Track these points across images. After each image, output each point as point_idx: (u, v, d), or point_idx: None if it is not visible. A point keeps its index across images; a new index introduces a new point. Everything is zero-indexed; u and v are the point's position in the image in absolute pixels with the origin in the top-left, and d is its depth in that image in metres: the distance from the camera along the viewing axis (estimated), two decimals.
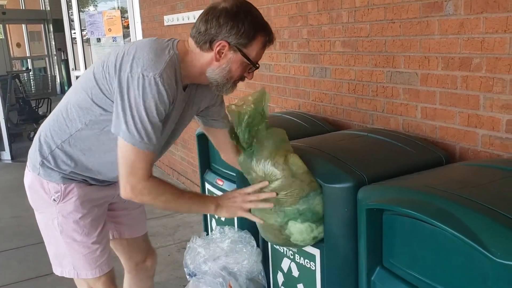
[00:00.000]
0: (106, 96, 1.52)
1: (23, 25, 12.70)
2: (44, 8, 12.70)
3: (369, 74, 2.29)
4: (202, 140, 2.69)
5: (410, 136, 2.01)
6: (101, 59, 1.59)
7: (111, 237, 1.94)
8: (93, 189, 1.73)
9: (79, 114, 1.59)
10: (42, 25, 12.74)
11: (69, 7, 5.87)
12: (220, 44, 1.48)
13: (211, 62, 1.52)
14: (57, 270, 1.81)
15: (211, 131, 1.84)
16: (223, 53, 1.50)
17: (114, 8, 5.98)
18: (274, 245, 1.99)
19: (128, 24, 5.59)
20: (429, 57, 1.95)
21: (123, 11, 5.74)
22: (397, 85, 2.14)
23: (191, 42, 1.54)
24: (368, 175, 1.62)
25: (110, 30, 5.76)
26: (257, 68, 1.58)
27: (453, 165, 1.75)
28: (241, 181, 1.97)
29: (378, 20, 2.19)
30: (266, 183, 1.65)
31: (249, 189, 1.69)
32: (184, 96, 1.61)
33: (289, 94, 2.93)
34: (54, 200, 1.67)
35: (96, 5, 6.26)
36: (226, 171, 2.53)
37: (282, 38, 2.91)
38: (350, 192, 1.58)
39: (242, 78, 1.60)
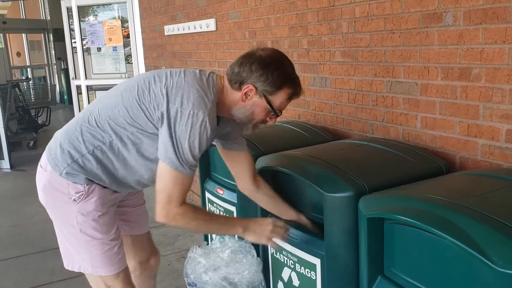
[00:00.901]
0: (148, 119, 1.61)
1: (23, 35, 12.74)
2: (44, 18, 12.76)
3: (369, 84, 2.31)
4: None
5: (410, 145, 2.02)
6: (145, 79, 1.65)
7: (124, 233, 1.99)
8: (110, 190, 1.79)
9: (112, 127, 1.66)
10: (42, 35, 12.80)
11: (69, 16, 5.90)
12: (248, 87, 1.60)
13: (238, 101, 1.64)
14: (73, 266, 1.83)
15: (231, 154, 1.89)
16: (249, 95, 1.61)
17: (114, 18, 6.02)
18: (274, 254, 1.99)
19: (129, 34, 5.62)
20: (429, 67, 1.97)
21: (124, 21, 5.78)
22: (397, 95, 2.15)
23: (225, 80, 1.66)
24: (368, 185, 1.62)
25: (110, 39, 5.79)
26: (279, 115, 1.68)
27: (453, 174, 1.76)
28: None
29: (378, 30, 2.21)
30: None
31: (281, 223, 1.80)
32: (216, 129, 1.71)
33: (289, 104, 2.93)
34: (74, 200, 1.71)
35: (97, 15, 6.30)
36: (226, 180, 2.53)
37: (282, 48, 2.93)
38: (351, 201, 1.58)
39: (263, 122, 1.70)
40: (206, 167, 2.75)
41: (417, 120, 2.07)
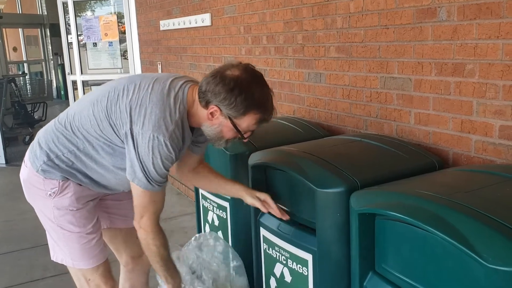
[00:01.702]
0: (115, 134, 1.63)
1: (20, 29, 12.68)
2: (41, 13, 12.70)
3: (363, 79, 2.29)
4: None
5: (403, 141, 2.01)
6: (115, 89, 1.65)
7: (104, 227, 1.98)
8: (88, 188, 1.79)
9: (85, 135, 1.68)
10: (39, 30, 12.74)
11: (66, 11, 5.87)
12: (213, 108, 1.57)
13: (205, 119, 1.62)
14: (56, 257, 1.86)
15: (187, 153, 1.86)
16: (215, 116, 1.59)
17: (110, 13, 5.98)
18: (267, 250, 1.98)
19: (125, 29, 5.59)
20: (423, 62, 1.96)
21: (120, 16, 5.74)
22: (391, 90, 2.14)
23: (196, 94, 1.62)
24: (360, 180, 1.61)
25: (106, 34, 5.76)
26: (245, 138, 1.66)
27: (446, 170, 1.75)
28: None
29: (372, 26, 2.19)
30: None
31: None
32: (190, 139, 1.72)
33: (284, 99, 2.93)
34: (49, 195, 1.73)
35: (93, 10, 6.26)
36: None
37: (277, 43, 2.92)
38: (342, 197, 1.57)
39: (235, 139, 1.68)
40: None
41: (410, 116, 2.06)
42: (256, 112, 1.57)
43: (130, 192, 1.70)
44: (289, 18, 2.78)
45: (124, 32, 5.63)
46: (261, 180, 1.98)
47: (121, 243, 2.08)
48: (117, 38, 5.78)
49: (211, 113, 1.58)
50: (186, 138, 1.66)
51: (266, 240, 1.97)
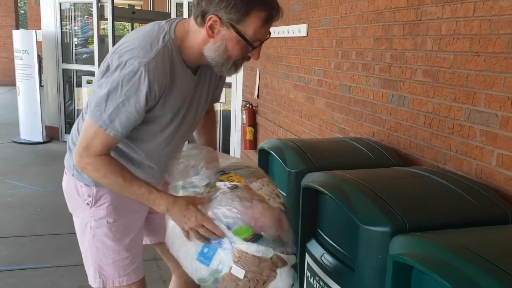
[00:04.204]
0: None
1: None
2: (169, 11, 13.57)
3: (447, 109, 2.07)
4: None
5: (478, 184, 1.77)
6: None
7: (154, 241, 1.90)
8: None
9: None
10: None
11: (179, 12, 6.20)
12: (211, 18, 1.36)
13: (207, 40, 1.41)
14: (91, 279, 1.73)
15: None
16: (216, 28, 1.38)
17: None
18: (309, 279, 1.87)
19: None
20: None
21: None
22: (474, 125, 1.91)
23: (191, 19, 1.44)
24: (410, 222, 1.45)
25: None
26: (255, 47, 1.42)
27: None
28: None
29: (462, 51, 1.97)
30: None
31: (211, 226, 1.44)
32: (195, 81, 1.55)
33: (365, 119, 2.77)
34: (87, 204, 1.65)
35: None
36: None
37: (365, 60, 2.77)
38: (386, 238, 1.42)
39: (245, 58, 1.46)
40: None
41: (492, 156, 1.81)
42: (260, 9, 1.35)
43: None
44: (379, 34, 2.62)
45: None
46: (312, 202, 1.87)
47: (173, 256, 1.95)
48: None
49: (211, 27, 1.37)
50: (180, 78, 1.47)
51: (310, 268, 1.86)
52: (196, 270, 1.51)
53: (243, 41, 1.38)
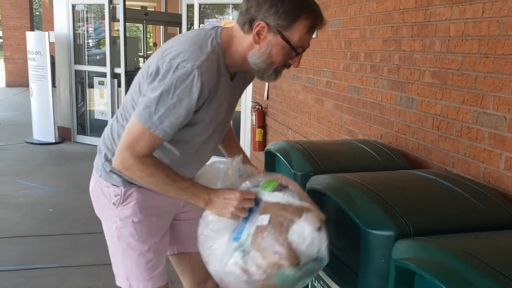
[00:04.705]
0: None
1: (161, 27, 13.74)
2: (181, 12, 13.63)
3: (455, 111, 2.04)
4: None
5: (486, 187, 1.74)
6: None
7: (173, 251, 1.90)
8: (155, 194, 1.64)
9: None
10: (178, 28, 13.69)
11: (189, 14, 6.21)
12: (259, 25, 1.41)
13: (252, 45, 1.45)
14: (119, 282, 1.75)
15: None
16: (262, 34, 1.42)
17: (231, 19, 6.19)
18: (313, 282, 1.86)
19: None
20: None
21: None
22: (482, 127, 1.88)
23: (236, 26, 1.48)
24: (414, 226, 1.43)
25: None
26: (299, 54, 1.46)
27: None
28: None
29: (471, 53, 1.94)
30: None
31: (249, 195, 1.51)
32: (231, 86, 1.57)
33: (373, 121, 2.75)
34: (113, 203, 1.65)
35: (216, 17, 6.61)
36: None
37: (374, 61, 2.74)
38: (389, 242, 1.40)
39: (286, 65, 1.51)
40: None
41: (501, 160, 1.78)
42: (307, 17, 1.40)
43: (201, 211, 1.57)
44: (388, 36, 2.60)
45: None
46: (317, 204, 1.85)
47: (188, 268, 1.95)
48: None
49: (258, 33, 1.42)
50: (222, 82, 1.50)
51: None
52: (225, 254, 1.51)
53: (288, 47, 1.43)
